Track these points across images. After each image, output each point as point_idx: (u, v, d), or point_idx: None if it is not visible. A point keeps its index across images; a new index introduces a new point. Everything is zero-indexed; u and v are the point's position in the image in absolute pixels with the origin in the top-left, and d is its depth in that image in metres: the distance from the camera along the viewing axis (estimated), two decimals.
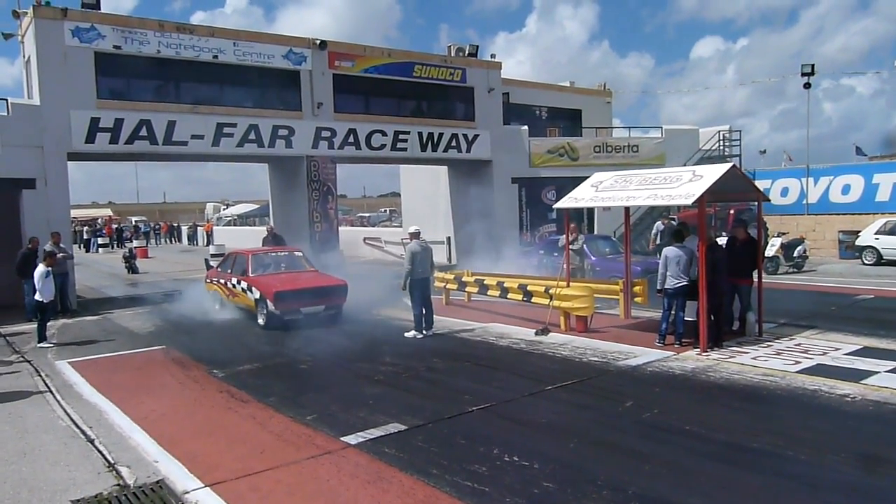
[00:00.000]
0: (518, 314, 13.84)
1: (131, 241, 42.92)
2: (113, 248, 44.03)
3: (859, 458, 6.01)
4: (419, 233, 12.56)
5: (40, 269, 12.27)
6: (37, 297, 12.27)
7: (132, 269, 26.92)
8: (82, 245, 44.05)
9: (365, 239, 32.25)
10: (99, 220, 55.59)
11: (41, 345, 12.17)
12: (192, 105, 18.77)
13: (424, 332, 12.22)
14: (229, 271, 14.93)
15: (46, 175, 16.60)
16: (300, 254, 15.50)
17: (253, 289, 13.53)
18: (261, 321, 13.30)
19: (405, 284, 12.22)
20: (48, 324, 12.74)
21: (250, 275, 13.92)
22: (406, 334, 12.21)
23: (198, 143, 18.85)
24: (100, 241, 44.75)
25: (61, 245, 15.40)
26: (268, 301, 12.96)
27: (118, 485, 5.88)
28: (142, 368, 10.47)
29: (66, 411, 8.16)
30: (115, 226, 51.18)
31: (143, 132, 17.90)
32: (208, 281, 16.13)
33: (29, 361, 11.07)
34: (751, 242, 11.45)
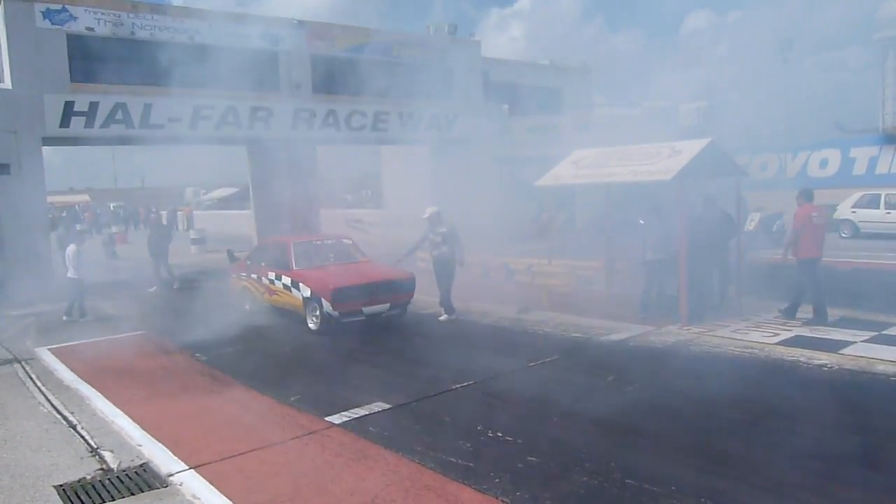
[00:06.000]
0: (500, 292, 13.86)
1: (110, 227, 42.40)
2: (92, 233, 43.50)
3: (835, 426, 6.12)
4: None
5: (72, 248, 13.05)
6: (70, 274, 13.11)
7: (111, 255, 26.70)
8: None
9: (347, 221, 32.08)
10: (77, 206, 54.89)
11: (84, 319, 13.19)
12: (168, 87, 18.47)
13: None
14: (263, 264, 12.57)
15: (21, 160, 16.32)
16: (349, 241, 13.19)
17: (300, 285, 11.32)
18: (312, 325, 11.17)
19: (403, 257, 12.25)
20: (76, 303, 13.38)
21: (294, 268, 11.68)
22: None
23: (175, 126, 18.60)
24: (78, 227, 44.16)
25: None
26: (322, 300, 10.83)
27: (101, 469, 5.86)
28: (124, 353, 10.36)
29: (46, 398, 8.09)
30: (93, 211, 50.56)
31: (119, 115, 17.65)
32: (234, 276, 13.69)
33: (7, 349, 10.96)
34: (727, 217, 11.56)
